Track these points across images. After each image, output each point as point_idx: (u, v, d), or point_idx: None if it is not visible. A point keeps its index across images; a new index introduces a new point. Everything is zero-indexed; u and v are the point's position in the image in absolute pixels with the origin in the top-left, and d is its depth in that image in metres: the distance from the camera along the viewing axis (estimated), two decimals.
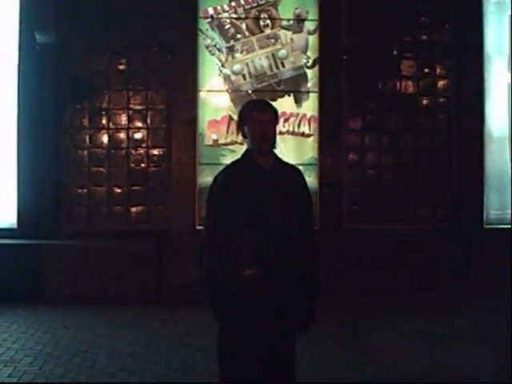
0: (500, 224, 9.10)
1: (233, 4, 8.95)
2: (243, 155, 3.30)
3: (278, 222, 3.11)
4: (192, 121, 8.82)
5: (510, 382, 4.75)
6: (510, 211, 9.00)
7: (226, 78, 8.97)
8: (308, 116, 9.02)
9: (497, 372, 5.12)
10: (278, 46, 9.01)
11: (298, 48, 9.04)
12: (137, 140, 9.05)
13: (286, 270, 3.10)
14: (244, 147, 3.42)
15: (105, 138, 9.01)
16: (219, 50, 8.92)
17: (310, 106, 9.04)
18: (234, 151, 8.55)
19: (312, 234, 3.33)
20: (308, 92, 9.06)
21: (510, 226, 8.82)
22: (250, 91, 8.90)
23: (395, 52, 9.44)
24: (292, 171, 3.37)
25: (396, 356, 5.67)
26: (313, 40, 9.07)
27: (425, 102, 9.48)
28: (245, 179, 3.16)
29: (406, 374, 5.17)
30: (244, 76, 8.96)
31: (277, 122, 3.30)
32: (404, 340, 6.22)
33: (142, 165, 9.03)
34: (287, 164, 3.39)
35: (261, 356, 3.10)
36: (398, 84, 9.41)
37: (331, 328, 6.50)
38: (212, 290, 3.10)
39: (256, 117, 3.18)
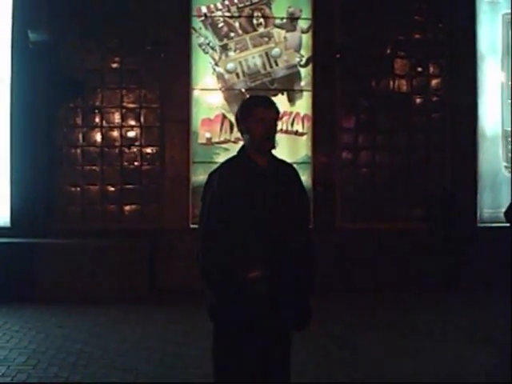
0: (493, 222, 9.10)
1: (226, 2, 8.94)
2: (239, 152, 3.17)
3: (278, 220, 3.05)
4: (185, 119, 8.82)
5: (510, 382, 4.75)
6: (503, 209, 8.99)
7: (220, 76, 8.96)
8: (301, 115, 9.03)
9: (497, 372, 5.12)
10: (272, 45, 9.01)
11: (292, 47, 9.05)
12: (130, 138, 9.03)
13: (286, 270, 3.07)
14: (238, 145, 3.33)
15: (98, 137, 8.99)
16: (212, 48, 8.92)
17: (303, 105, 9.05)
18: (227, 149, 8.57)
19: (308, 232, 3.31)
20: (301, 91, 9.07)
21: (503, 225, 8.82)
22: (243, 90, 8.90)
23: (388, 51, 9.44)
24: (287, 169, 3.26)
25: (393, 355, 5.67)
26: (306, 39, 9.09)
27: (418, 100, 9.49)
28: (241, 177, 3.06)
29: (403, 373, 5.16)
30: (237, 74, 8.96)
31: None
32: (400, 339, 6.21)
33: (136, 163, 9.01)
34: (282, 161, 3.27)
35: (258, 356, 3.08)
36: (391, 83, 9.42)
37: (326, 327, 6.50)
38: (208, 290, 3.07)
39: (261, 113, 3.04)
